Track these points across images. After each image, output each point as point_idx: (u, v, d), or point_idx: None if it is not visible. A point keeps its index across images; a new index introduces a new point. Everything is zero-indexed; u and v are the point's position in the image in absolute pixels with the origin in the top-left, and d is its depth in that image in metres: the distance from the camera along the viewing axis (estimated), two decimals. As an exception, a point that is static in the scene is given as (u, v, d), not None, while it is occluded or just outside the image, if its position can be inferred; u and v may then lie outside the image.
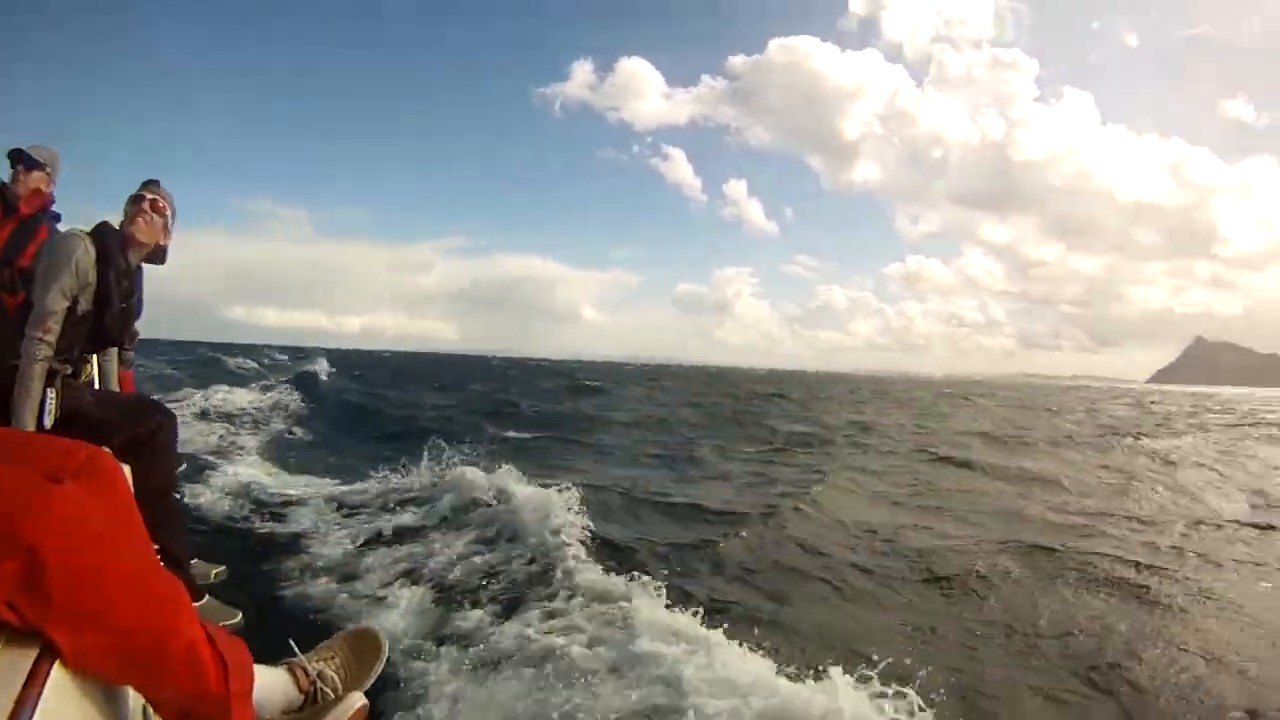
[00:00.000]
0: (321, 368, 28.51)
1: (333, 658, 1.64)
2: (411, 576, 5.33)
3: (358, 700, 1.56)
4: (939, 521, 8.25)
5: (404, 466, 8.63)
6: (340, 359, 46.28)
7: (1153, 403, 46.71)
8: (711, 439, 16.13)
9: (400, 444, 10.89)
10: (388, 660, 1.74)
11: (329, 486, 8.53)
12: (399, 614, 4.65)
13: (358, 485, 8.47)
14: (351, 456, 11.13)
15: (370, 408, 19.95)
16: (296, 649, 1.60)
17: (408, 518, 6.94)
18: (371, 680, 1.66)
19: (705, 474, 11.44)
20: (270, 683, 1.48)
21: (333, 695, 1.55)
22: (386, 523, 6.71)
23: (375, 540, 6.22)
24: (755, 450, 14.53)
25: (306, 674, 1.54)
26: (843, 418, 24.23)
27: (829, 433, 18.74)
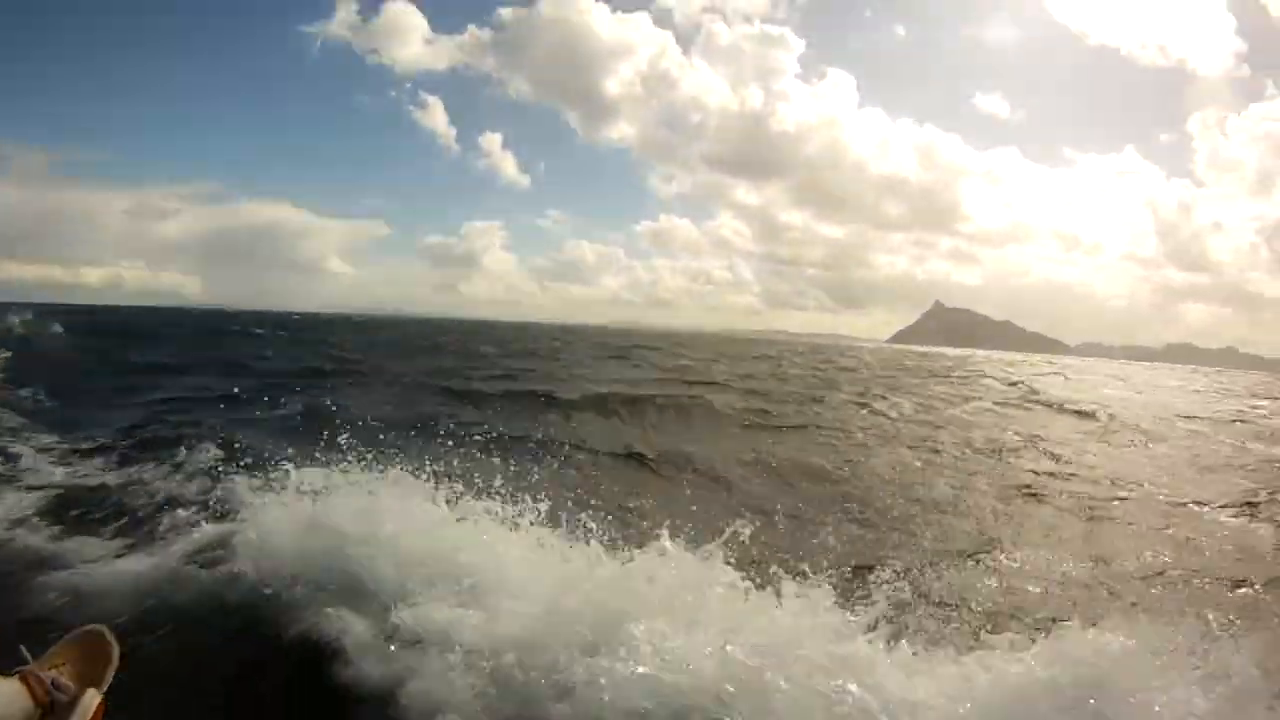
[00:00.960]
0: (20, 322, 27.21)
1: (63, 663, 1.61)
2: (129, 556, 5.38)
3: (95, 698, 1.53)
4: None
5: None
6: (69, 315, 45.30)
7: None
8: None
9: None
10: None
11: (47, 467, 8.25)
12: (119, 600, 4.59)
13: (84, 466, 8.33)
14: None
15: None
16: (28, 656, 1.56)
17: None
18: (109, 679, 1.62)
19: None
20: (3, 695, 1.44)
21: (67, 699, 1.50)
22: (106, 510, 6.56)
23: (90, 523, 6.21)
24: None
25: (40, 681, 1.48)
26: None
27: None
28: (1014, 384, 29.71)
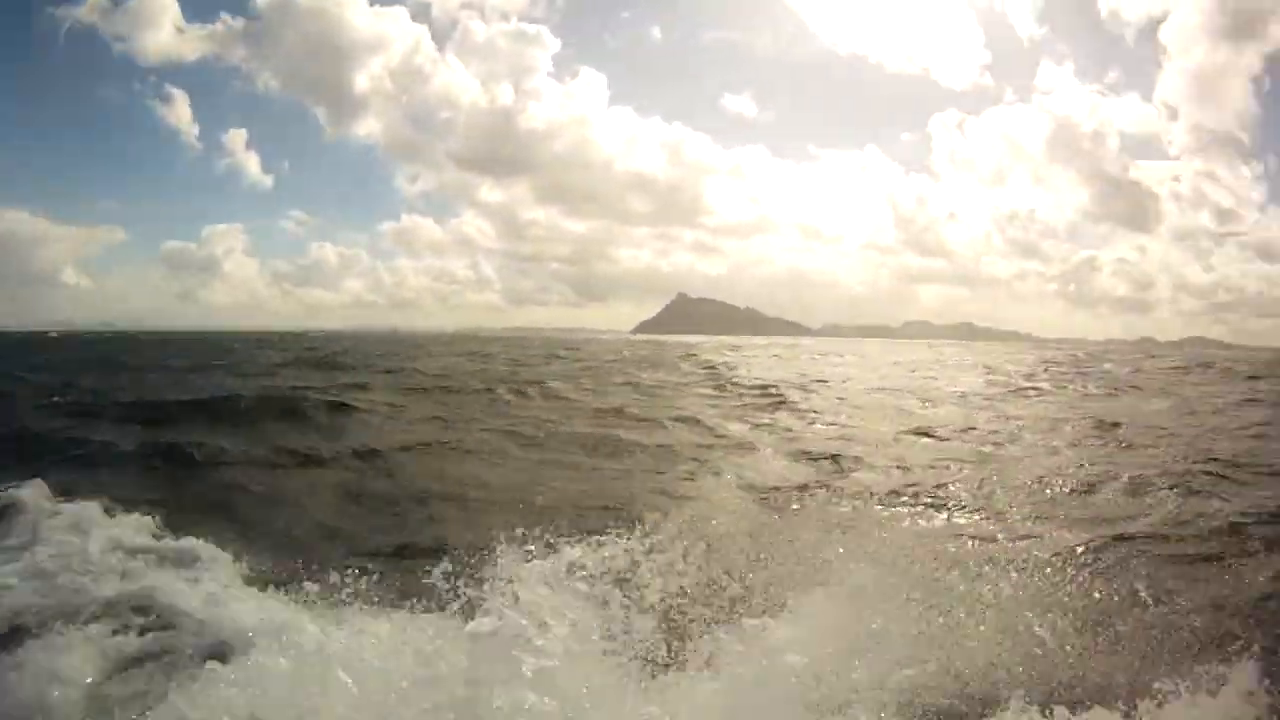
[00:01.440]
0: None
1: None
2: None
3: None
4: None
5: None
6: None
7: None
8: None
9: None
10: None
11: None
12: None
13: None
14: None
15: None
16: None
17: None
18: None
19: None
20: None
21: None
22: None
23: None
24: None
25: None
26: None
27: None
28: (711, 366, 31.54)
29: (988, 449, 12.00)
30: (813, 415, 16.19)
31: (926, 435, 13.32)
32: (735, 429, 13.94)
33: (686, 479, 9.76)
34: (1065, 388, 24.77)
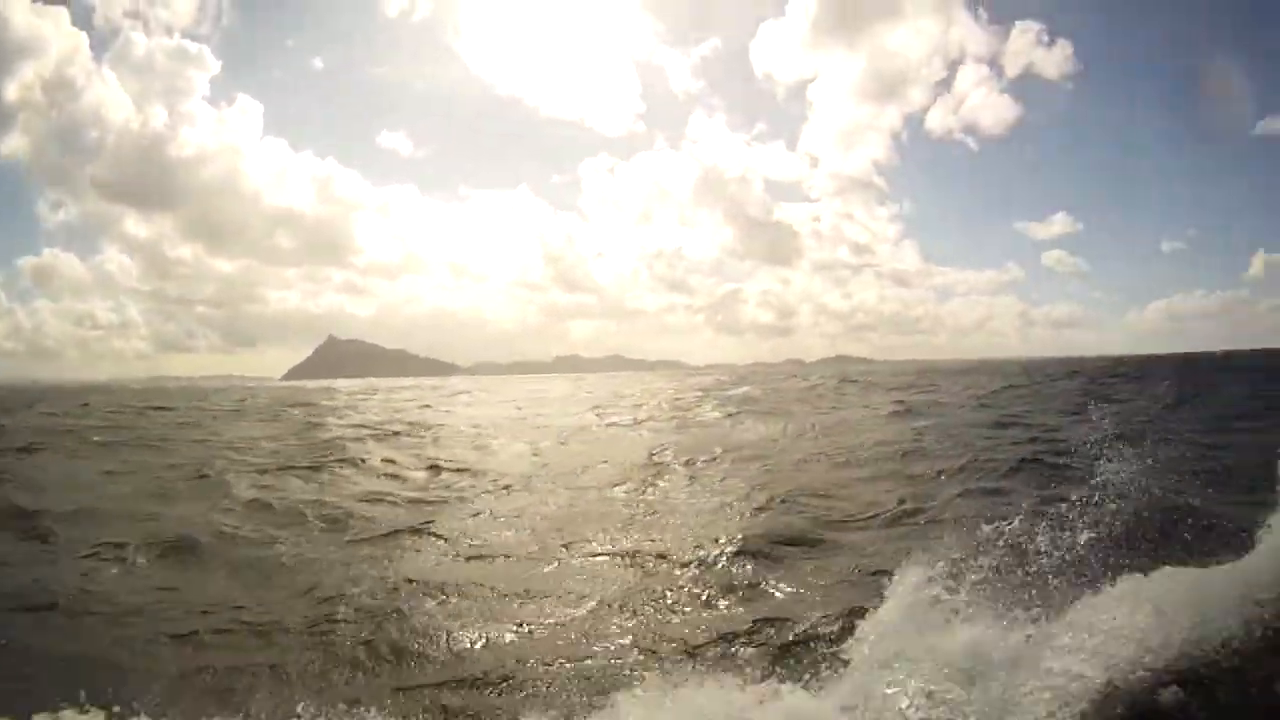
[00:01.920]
0: None
1: None
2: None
3: None
4: None
5: None
6: None
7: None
8: None
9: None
10: None
11: None
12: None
13: None
14: None
15: None
16: None
17: None
18: None
19: None
20: None
21: None
22: None
23: None
24: None
25: None
26: None
27: None
28: (316, 416, 28.38)
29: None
30: (363, 460, 15.14)
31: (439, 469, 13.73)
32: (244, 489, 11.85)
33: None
34: (675, 417, 25.34)
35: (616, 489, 11.62)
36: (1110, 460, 6.84)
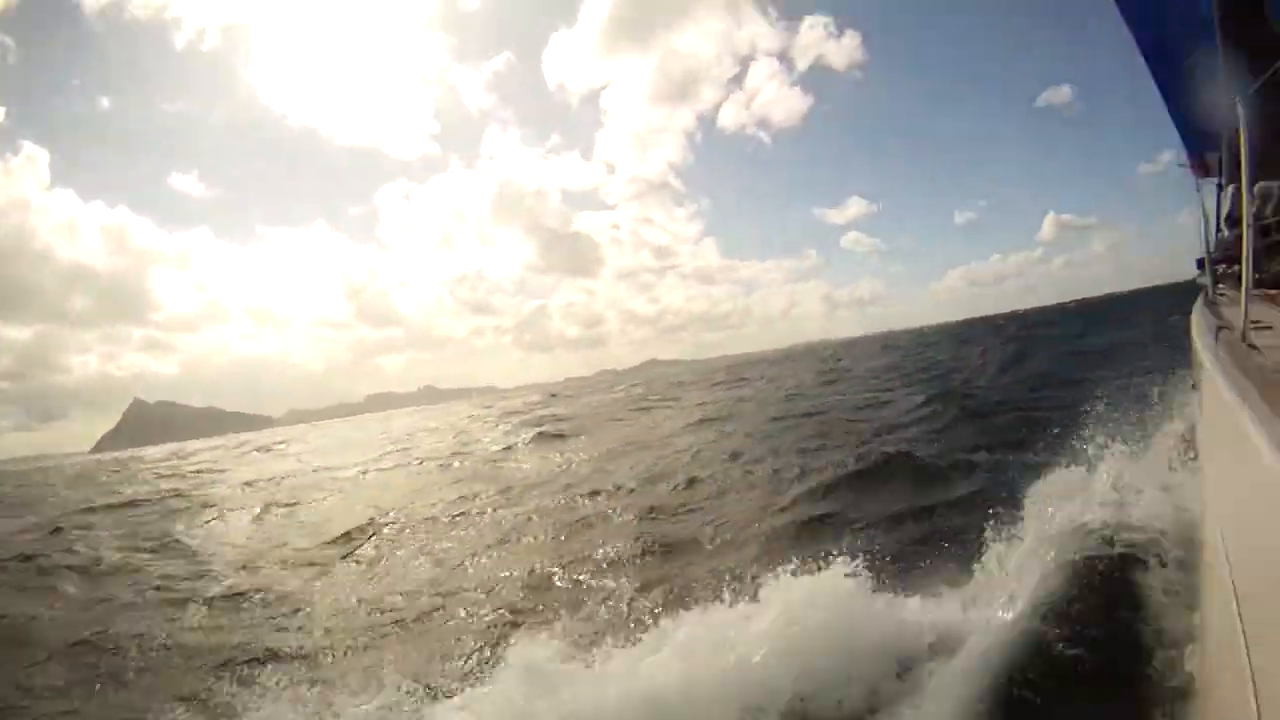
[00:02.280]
0: None
1: None
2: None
3: None
4: None
5: None
6: None
7: None
8: None
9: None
10: None
11: None
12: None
13: None
14: None
15: None
16: None
17: None
18: None
19: None
20: None
21: None
22: None
23: None
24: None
25: None
26: None
27: None
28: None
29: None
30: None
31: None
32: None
33: None
34: (457, 454, 23.84)
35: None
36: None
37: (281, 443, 52.04)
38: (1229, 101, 6.20)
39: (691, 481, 12.50)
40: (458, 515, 12.78)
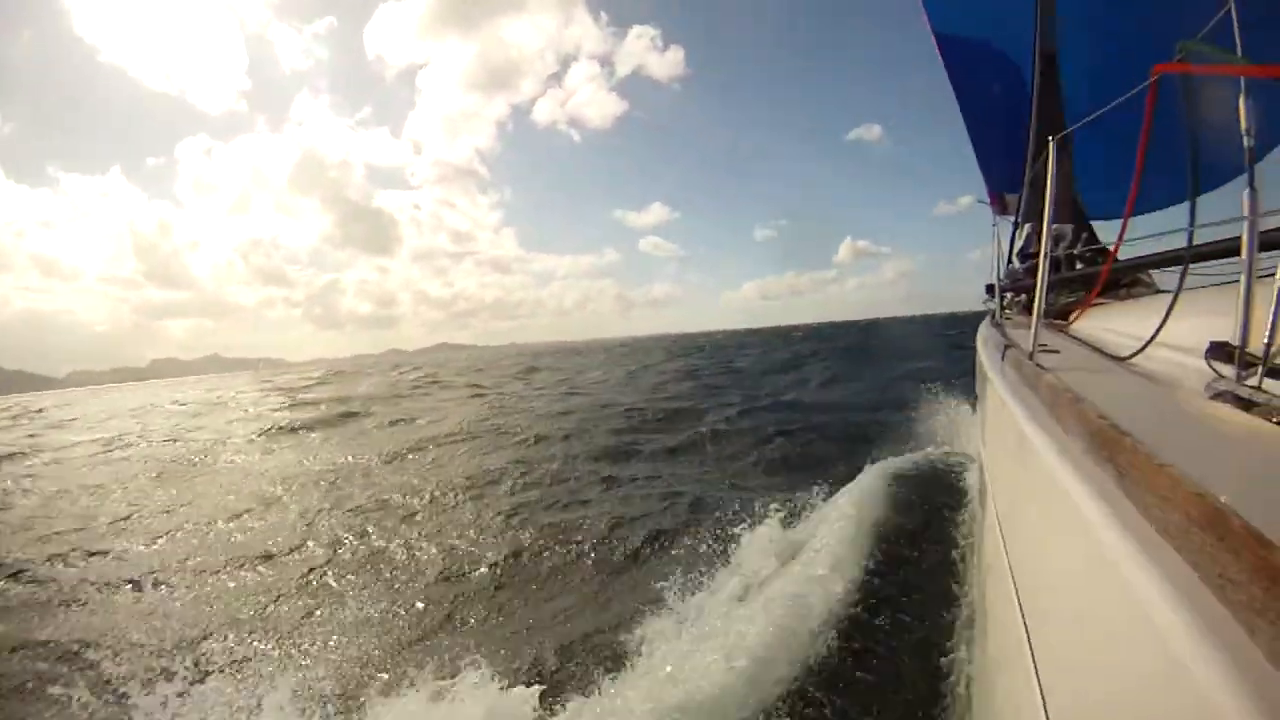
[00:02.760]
0: None
1: None
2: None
3: None
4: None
5: None
6: None
7: None
8: None
9: None
10: None
11: None
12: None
13: None
14: None
15: None
16: None
17: None
18: None
19: None
20: None
21: None
22: None
23: None
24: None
25: None
26: None
27: None
28: None
29: None
30: None
31: None
32: None
33: None
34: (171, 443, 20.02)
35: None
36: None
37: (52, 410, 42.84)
38: (1034, 151, 7.13)
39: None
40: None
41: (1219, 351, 2.09)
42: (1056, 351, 3.19)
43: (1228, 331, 2.03)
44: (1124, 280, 5.61)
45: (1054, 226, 6.13)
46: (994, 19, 9.27)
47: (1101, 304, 5.38)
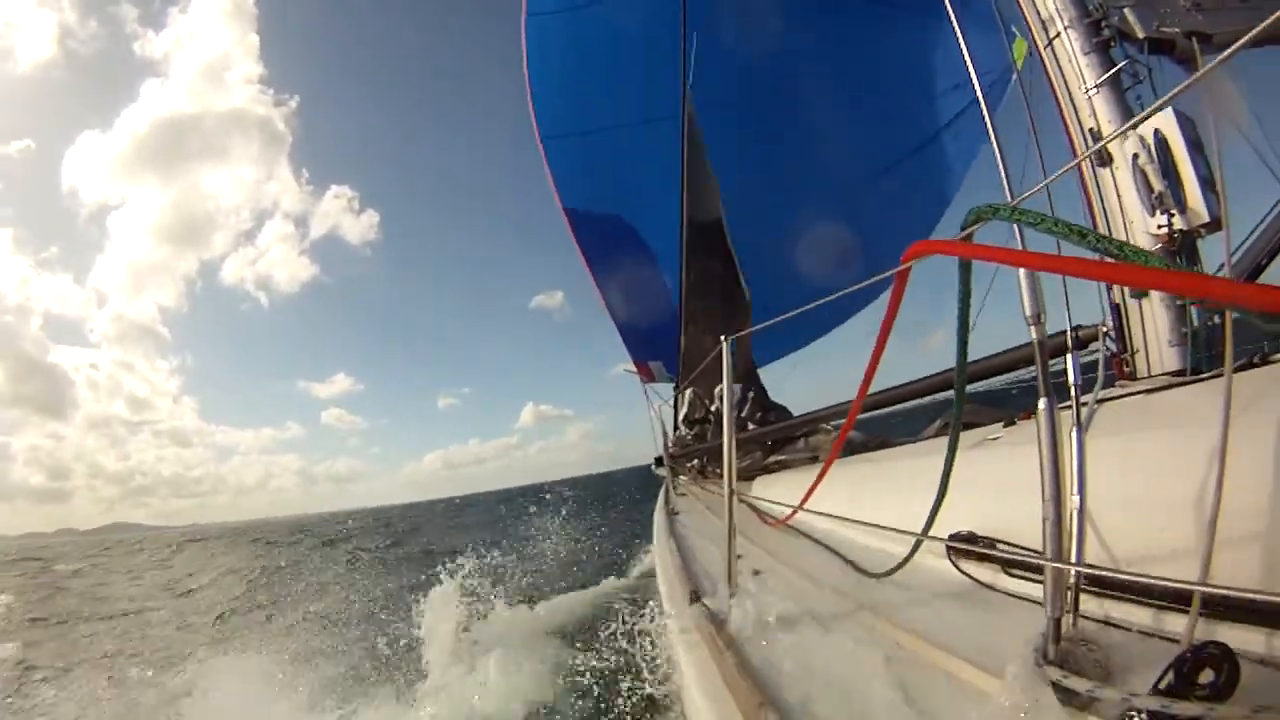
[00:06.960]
0: None
1: None
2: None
3: None
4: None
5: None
6: None
7: None
8: None
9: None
10: None
11: None
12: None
13: None
14: None
15: None
16: None
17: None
18: None
19: None
20: None
21: None
22: None
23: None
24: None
25: None
26: None
27: None
28: None
29: None
30: None
31: None
32: None
33: None
34: None
35: None
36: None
37: None
38: (684, 319, 7.50)
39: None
40: None
41: None
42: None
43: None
44: (801, 432, 6.02)
45: (718, 389, 6.42)
46: (617, 195, 9.50)
47: (783, 459, 5.69)
